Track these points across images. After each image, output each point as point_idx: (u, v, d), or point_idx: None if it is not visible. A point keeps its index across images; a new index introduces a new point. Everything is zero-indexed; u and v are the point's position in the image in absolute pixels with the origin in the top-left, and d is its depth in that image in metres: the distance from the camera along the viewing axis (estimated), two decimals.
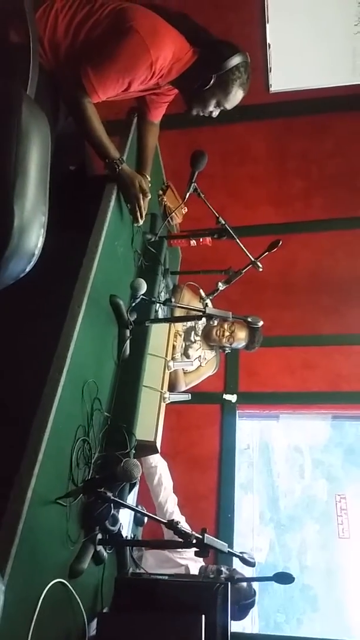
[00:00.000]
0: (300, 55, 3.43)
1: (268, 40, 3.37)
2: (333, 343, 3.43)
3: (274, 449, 3.82)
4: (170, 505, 2.46)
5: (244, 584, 2.13)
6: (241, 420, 3.46)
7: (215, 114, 1.96)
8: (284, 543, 3.59)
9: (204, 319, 2.12)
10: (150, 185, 2.13)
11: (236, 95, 1.88)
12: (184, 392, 2.63)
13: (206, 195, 2.13)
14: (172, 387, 2.55)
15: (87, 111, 1.79)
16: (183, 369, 2.68)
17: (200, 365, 2.78)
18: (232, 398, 3.38)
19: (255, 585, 2.19)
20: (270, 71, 3.45)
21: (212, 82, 1.83)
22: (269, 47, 3.39)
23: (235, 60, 1.82)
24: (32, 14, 1.60)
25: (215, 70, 1.82)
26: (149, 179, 2.20)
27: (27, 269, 0.97)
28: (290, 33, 3.38)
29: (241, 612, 2.12)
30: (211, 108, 1.92)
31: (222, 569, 2.19)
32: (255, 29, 3.35)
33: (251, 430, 3.68)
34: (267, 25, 3.34)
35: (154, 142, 2.28)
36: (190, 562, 2.32)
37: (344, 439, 3.75)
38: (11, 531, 1.13)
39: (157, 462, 2.52)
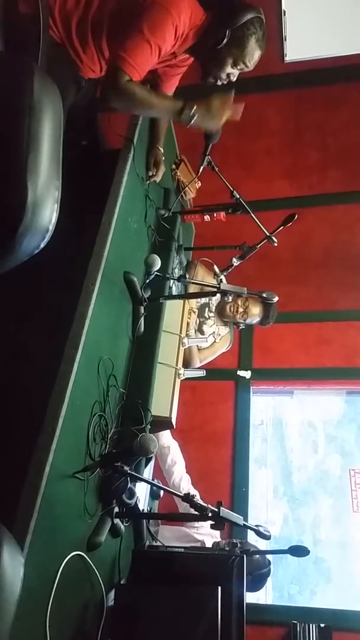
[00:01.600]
0: (316, 23, 3.32)
1: (283, 7, 3.26)
2: (348, 318, 3.39)
3: (288, 424, 3.82)
4: (184, 484, 2.48)
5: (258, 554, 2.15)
6: (255, 397, 3.47)
7: (234, 77, 1.89)
8: (297, 517, 3.62)
9: (218, 295, 2.11)
10: (163, 158, 2.10)
11: (253, 53, 1.82)
12: (199, 368, 2.63)
13: (220, 168, 2.10)
14: (186, 364, 2.56)
15: (137, 94, 1.70)
16: (197, 346, 2.68)
17: (215, 342, 2.78)
18: (247, 374, 3.38)
19: (270, 557, 2.21)
20: (285, 40, 3.35)
21: (226, 38, 1.77)
22: (284, 15, 3.28)
23: (249, 14, 1.76)
24: None
25: (228, 25, 1.76)
26: (162, 151, 2.17)
27: (42, 245, 0.96)
28: (306, 0, 3.27)
29: (256, 582, 2.14)
30: (228, 69, 1.85)
31: (236, 542, 2.21)
32: None
33: (265, 406, 3.69)
34: None
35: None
36: (207, 537, 2.35)
37: (357, 415, 3.73)
38: (30, 505, 1.15)
39: (170, 443, 2.54)
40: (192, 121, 1.77)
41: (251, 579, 2.08)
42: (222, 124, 1.85)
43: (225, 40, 1.77)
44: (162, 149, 2.17)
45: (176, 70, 2.09)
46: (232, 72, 1.88)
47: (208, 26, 1.81)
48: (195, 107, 1.75)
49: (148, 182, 2.12)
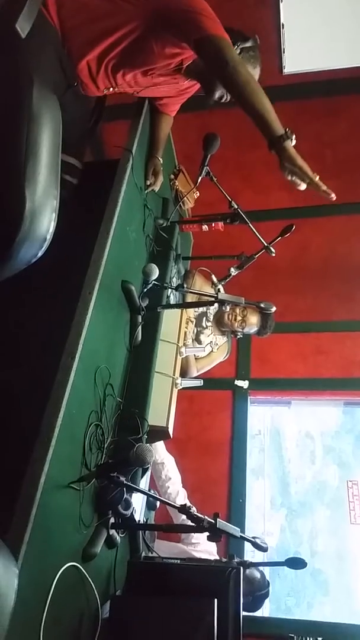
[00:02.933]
0: (314, 36, 3.35)
1: (282, 21, 3.29)
2: (346, 329, 3.40)
3: (285, 434, 3.82)
4: (180, 499, 2.46)
5: (258, 575, 2.14)
6: (253, 406, 3.46)
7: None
8: (294, 528, 3.60)
9: (216, 305, 2.11)
10: (162, 168, 2.11)
11: (257, 72, 1.86)
12: (196, 377, 2.63)
13: (218, 179, 2.11)
14: (183, 373, 2.55)
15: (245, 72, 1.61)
16: (195, 355, 2.67)
17: (212, 351, 2.78)
18: (244, 384, 3.38)
19: (266, 569, 2.20)
20: (283, 52, 3.38)
21: (240, 55, 1.78)
22: (283, 28, 3.31)
23: (253, 40, 1.82)
24: None
25: (240, 43, 1.79)
26: (161, 161, 2.18)
27: (39, 254, 0.97)
28: (304, 13, 3.30)
29: (255, 603, 2.14)
30: None
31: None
32: (269, 9, 3.27)
33: (262, 416, 3.69)
34: (281, 5, 3.26)
35: (168, 130, 2.28)
36: (204, 554, 2.33)
37: (355, 426, 3.73)
38: (25, 515, 1.14)
39: (164, 458, 2.52)
40: (291, 146, 1.62)
41: (251, 600, 2.08)
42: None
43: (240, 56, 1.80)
44: (161, 159, 2.18)
45: (179, 100, 2.13)
46: None
47: None
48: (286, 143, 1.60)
49: (146, 191, 2.13)
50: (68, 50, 1.74)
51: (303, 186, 1.64)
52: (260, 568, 2.21)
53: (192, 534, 2.37)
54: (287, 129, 1.61)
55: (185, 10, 1.66)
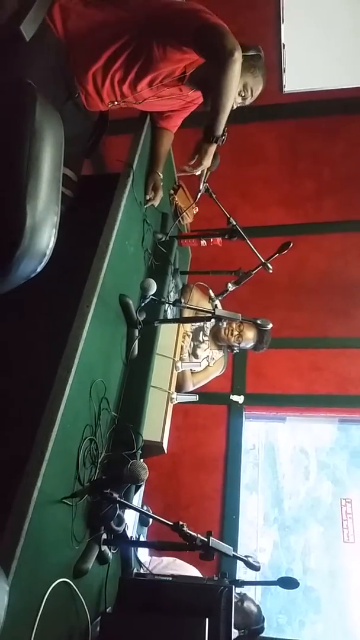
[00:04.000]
0: (314, 56, 3.40)
1: (283, 40, 3.34)
2: (342, 346, 3.41)
3: (280, 450, 3.81)
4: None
5: (255, 609, 2.12)
6: (248, 422, 3.45)
7: (235, 105, 1.94)
8: (287, 544, 3.58)
9: (212, 320, 2.12)
10: (162, 183, 2.12)
11: (260, 81, 1.91)
12: (192, 392, 2.62)
13: (217, 195, 2.13)
14: (179, 388, 2.55)
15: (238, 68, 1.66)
16: (191, 369, 2.67)
17: (208, 366, 2.78)
18: (239, 399, 3.37)
19: (258, 588, 2.18)
20: (284, 71, 3.42)
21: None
22: (284, 47, 3.36)
23: (256, 49, 1.87)
24: None
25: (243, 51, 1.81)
26: (161, 176, 2.19)
27: (39, 269, 0.97)
28: (305, 33, 3.35)
29: (250, 637, 2.11)
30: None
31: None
32: (270, 28, 3.32)
33: (257, 431, 3.68)
34: (282, 25, 3.31)
35: (168, 145, 2.29)
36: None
37: (349, 442, 3.73)
38: (17, 530, 1.13)
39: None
40: (211, 146, 1.82)
41: (246, 634, 2.06)
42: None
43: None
44: (161, 175, 2.20)
45: (182, 114, 2.16)
46: (235, 100, 1.92)
47: None
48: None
49: (146, 206, 2.14)
50: (73, 62, 1.77)
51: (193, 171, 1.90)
52: (257, 602, 2.19)
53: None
54: (225, 135, 1.79)
55: (183, 9, 1.70)
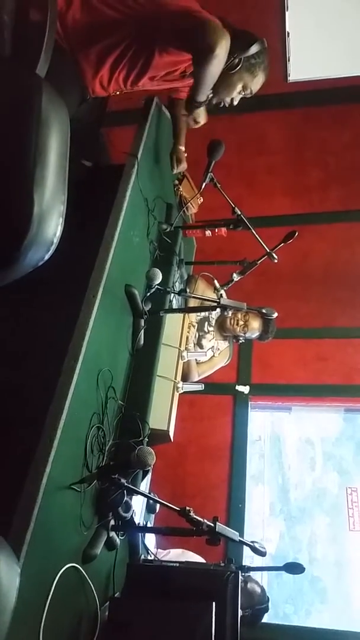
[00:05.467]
0: (319, 45, 3.38)
1: (287, 29, 3.32)
2: (347, 336, 3.41)
3: (285, 440, 3.82)
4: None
5: (258, 589, 2.14)
6: (253, 412, 3.46)
7: (236, 101, 1.97)
8: (293, 535, 3.59)
9: (218, 309, 2.13)
10: (185, 155, 2.23)
11: (260, 79, 1.93)
12: (197, 382, 2.64)
13: (222, 185, 2.13)
14: (185, 378, 2.56)
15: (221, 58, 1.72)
16: (196, 360, 2.68)
17: (214, 356, 2.79)
18: (245, 389, 3.38)
19: (265, 578, 2.20)
20: (288, 60, 3.41)
21: (240, 64, 1.86)
22: (288, 36, 3.34)
23: (257, 46, 1.86)
24: None
25: (242, 52, 1.84)
26: (183, 149, 2.28)
27: (46, 257, 0.98)
28: (309, 22, 3.33)
29: (254, 617, 2.14)
30: (234, 94, 1.95)
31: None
32: (274, 17, 3.30)
33: (263, 422, 3.69)
34: (287, 14, 3.29)
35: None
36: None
37: (356, 433, 3.73)
38: (26, 516, 1.15)
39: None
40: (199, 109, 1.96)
41: (250, 614, 2.08)
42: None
43: (239, 67, 1.86)
44: (183, 147, 2.28)
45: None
46: (235, 97, 1.98)
47: None
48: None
49: (174, 171, 2.27)
50: (81, 71, 1.83)
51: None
52: (261, 583, 2.21)
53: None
54: (208, 98, 1.93)
55: (176, 11, 1.72)
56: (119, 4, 1.76)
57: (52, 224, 0.95)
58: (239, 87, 1.93)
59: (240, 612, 1.43)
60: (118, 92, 1.97)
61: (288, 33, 3.34)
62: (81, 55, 1.80)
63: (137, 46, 1.79)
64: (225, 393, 3.37)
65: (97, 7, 1.76)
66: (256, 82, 1.94)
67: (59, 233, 0.97)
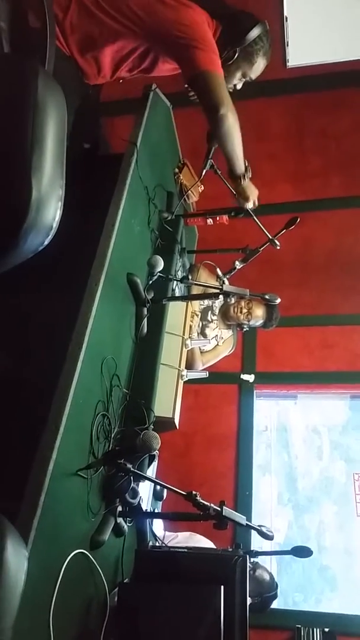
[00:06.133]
0: (318, 29, 3.36)
1: (285, 13, 3.29)
2: (352, 323, 3.40)
3: (292, 430, 3.82)
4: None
5: (267, 576, 2.15)
6: (259, 400, 3.47)
7: (239, 86, 1.98)
8: (302, 524, 3.60)
9: (221, 298, 2.13)
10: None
11: (260, 65, 1.92)
12: (201, 371, 2.64)
13: (223, 172, 2.11)
14: (189, 367, 2.56)
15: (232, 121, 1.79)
16: (200, 349, 2.68)
17: (218, 345, 2.79)
18: (250, 378, 3.38)
19: (274, 567, 2.21)
20: (287, 45, 3.38)
21: (236, 55, 1.85)
22: (286, 21, 3.31)
23: (257, 31, 1.85)
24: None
25: (238, 43, 1.84)
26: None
27: (46, 242, 0.98)
28: (308, 6, 3.30)
29: (264, 604, 2.15)
30: (236, 81, 1.95)
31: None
32: (272, 1, 3.28)
33: (269, 412, 3.69)
34: None
35: None
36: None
37: None
38: (34, 502, 1.16)
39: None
40: (245, 182, 2.05)
41: (259, 601, 2.09)
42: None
43: (235, 56, 1.86)
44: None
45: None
46: (237, 84, 1.98)
47: (218, 40, 1.86)
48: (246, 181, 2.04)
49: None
50: (84, 73, 1.87)
51: (249, 205, 2.15)
52: (269, 570, 2.22)
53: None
54: (247, 166, 2.03)
55: (180, 42, 1.72)
56: (116, 12, 1.76)
57: (51, 208, 0.95)
58: (238, 75, 1.94)
59: (249, 600, 1.43)
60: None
61: (286, 18, 3.31)
62: (82, 59, 1.82)
63: (141, 52, 1.83)
64: (230, 382, 3.38)
65: (95, 14, 1.76)
66: (256, 69, 1.94)
67: (58, 218, 0.97)
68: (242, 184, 2.05)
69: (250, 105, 3.48)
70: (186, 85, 1.82)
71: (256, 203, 2.18)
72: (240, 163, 1.95)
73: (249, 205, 2.13)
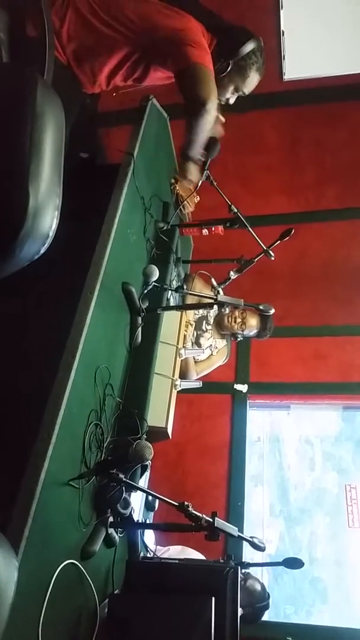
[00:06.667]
0: (314, 43, 3.40)
1: (282, 27, 3.34)
2: (345, 334, 3.42)
3: (285, 441, 3.82)
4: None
5: (259, 587, 2.13)
6: (252, 411, 3.46)
7: (232, 100, 1.99)
8: (293, 535, 3.59)
9: (215, 308, 2.13)
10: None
11: (253, 80, 1.94)
12: (195, 381, 2.63)
13: (218, 183, 2.13)
14: (183, 376, 2.56)
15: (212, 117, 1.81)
16: (194, 358, 2.68)
17: (212, 354, 2.79)
18: (243, 388, 3.38)
19: (266, 578, 2.19)
20: (284, 59, 3.43)
21: (229, 68, 1.87)
22: (283, 34, 3.36)
23: (250, 45, 1.86)
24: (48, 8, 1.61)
25: (231, 56, 1.86)
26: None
27: (42, 251, 0.98)
28: (304, 20, 3.35)
29: (255, 614, 2.13)
30: (228, 94, 1.96)
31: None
32: (269, 15, 3.32)
33: (262, 422, 3.69)
34: (282, 12, 3.30)
35: None
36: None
37: (354, 432, 3.73)
38: (25, 511, 1.15)
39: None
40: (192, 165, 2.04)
41: (251, 611, 2.08)
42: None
43: (228, 69, 1.87)
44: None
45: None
46: (230, 97, 1.99)
47: (212, 52, 1.88)
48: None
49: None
50: (80, 81, 1.89)
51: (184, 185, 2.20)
52: (261, 580, 2.20)
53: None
54: (205, 162, 2.04)
55: (173, 40, 1.74)
56: (112, 20, 1.79)
57: (47, 217, 0.95)
58: (231, 88, 1.95)
59: (240, 611, 1.43)
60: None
61: (283, 32, 3.35)
62: (78, 68, 1.85)
63: (134, 60, 1.84)
64: (223, 392, 3.37)
65: (92, 22, 1.78)
66: (249, 83, 1.95)
67: (54, 226, 0.97)
68: (188, 163, 2.03)
69: (246, 118, 3.53)
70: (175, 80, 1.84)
71: (192, 189, 2.24)
72: (198, 149, 1.96)
73: (184, 185, 2.21)
